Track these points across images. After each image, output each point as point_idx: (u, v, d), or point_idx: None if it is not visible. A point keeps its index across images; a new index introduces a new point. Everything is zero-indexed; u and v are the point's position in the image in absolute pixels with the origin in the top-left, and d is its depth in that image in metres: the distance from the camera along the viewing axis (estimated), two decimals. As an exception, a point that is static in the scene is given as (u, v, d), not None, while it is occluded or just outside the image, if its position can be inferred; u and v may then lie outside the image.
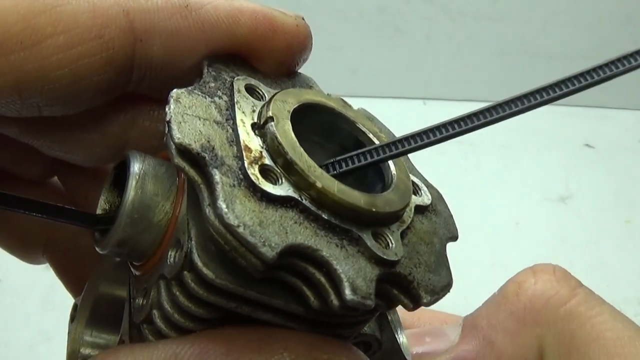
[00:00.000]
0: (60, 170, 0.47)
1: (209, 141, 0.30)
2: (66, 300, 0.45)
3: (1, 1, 0.33)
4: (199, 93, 0.32)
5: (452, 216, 0.37)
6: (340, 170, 0.32)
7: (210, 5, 0.36)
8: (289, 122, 0.32)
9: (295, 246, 0.28)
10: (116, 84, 0.37)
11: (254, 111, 0.33)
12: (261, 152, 0.31)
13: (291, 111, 0.33)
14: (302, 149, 0.31)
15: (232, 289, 0.29)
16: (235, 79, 0.35)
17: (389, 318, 0.40)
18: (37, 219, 0.35)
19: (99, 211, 0.35)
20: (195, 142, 0.30)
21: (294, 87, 0.37)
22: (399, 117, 1.55)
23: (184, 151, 0.29)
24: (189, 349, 0.29)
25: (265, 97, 0.34)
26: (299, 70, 0.39)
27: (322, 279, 0.28)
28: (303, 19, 0.39)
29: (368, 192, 0.32)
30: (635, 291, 1.07)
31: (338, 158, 0.33)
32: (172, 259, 0.31)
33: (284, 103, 0.33)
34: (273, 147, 0.31)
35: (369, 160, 0.33)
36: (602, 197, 1.28)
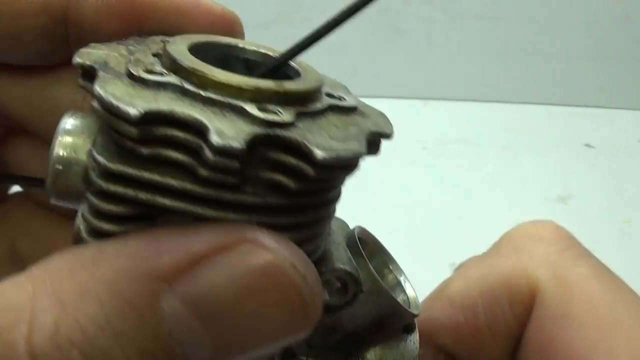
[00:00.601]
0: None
1: (105, 61, 0.31)
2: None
3: None
4: (114, 43, 0.33)
5: (389, 121, 0.34)
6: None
7: None
8: (185, 48, 0.32)
9: (163, 112, 0.27)
10: (54, 36, 0.39)
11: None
12: (152, 63, 0.31)
13: (188, 46, 0.32)
14: (193, 57, 0.31)
15: (125, 172, 0.28)
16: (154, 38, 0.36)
17: (364, 254, 0.36)
18: None
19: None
20: (90, 61, 0.30)
21: None
22: (399, 117, 1.55)
23: (83, 72, 0.30)
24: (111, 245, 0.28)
25: None
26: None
27: (196, 140, 0.27)
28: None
29: None
30: (635, 291, 1.07)
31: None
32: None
33: (183, 39, 0.33)
34: (165, 57, 0.31)
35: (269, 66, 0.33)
36: (602, 197, 1.28)
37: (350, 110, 0.33)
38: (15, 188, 0.49)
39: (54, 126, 0.33)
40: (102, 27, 0.38)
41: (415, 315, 0.36)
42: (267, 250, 0.27)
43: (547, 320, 0.37)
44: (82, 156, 0.31)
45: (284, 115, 0.28)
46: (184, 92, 0.29)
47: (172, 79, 0.29)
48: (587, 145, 1.42)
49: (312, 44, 0.32)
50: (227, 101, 0.28)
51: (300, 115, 0.29)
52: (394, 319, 0.36)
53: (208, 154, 0.27)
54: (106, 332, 0.23)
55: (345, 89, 0.36)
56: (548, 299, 0.38)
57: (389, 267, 0.38)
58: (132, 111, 0.27)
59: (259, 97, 0.29)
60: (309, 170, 0.28)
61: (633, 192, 1.29)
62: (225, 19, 0.38)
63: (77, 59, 0.31)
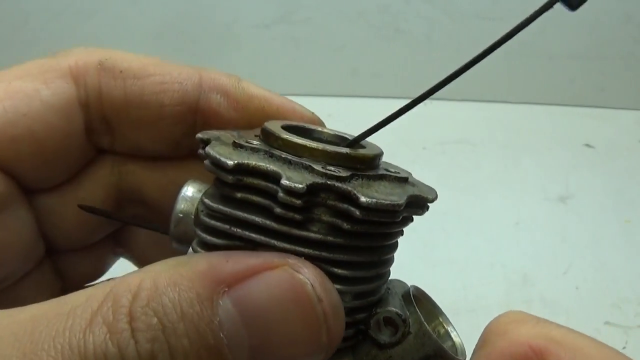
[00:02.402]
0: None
1: (218, 136, 0.40)
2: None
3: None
4: (230, 129, 0.43)
5: (434, 191, 0.42)
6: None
7: (252, 87, 0.49)
8: (279, 126, 0.41)
9: (251, 165, 0.36)
10: (186, 124, 0.49)
11: None
12: (253, 138, 0.40)
13: (281, 125, 0.41)
14: (282, 130, 0.40)
15: (223, 211, 0.38)
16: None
17: (414, 303, 0.42)
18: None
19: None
20: (208, 136, 0.40)
21: None
22: (399, 117, 1.55)
23: (202, 144, 0.39)
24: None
25: None
26: None
27: (273, 186, 0.36)
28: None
29: None
30: (635, 291, 1.07)
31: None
32: None
33: (278, 122, 0.43)
34: (261, 131, 0.40)
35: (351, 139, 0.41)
36: (602, 197, 1.28)
37: (402, 180, 0.41)
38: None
39: None
40: (223, 118, 0.48)
41: None
42: (299, 273, 0.35)
43: None
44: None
45: (342, 172, 0.37)
46: (271, 155, 0.38)
47: (263, 145, 0.39)
48: (587, 145, 1.42)
49: (380, 128, 0.40)
50: (299, 160, 0.37)
51: (356, 176, 0.38)
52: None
53: (280, 194, 0.35)
54: (177, 312, 0.33)
55: (407, 172, 0.44)
56: (558, 353, 0.41)
57: (439, 319, 0.44)
58: (229, 162, 0.36)
59: (327, 158, 0.38)
60: (355, 212, 0.36)
61: (633, 192, 1.29)
62: (313, 121, 0.48)
63: (199, 135, 0.40)
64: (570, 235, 1.19)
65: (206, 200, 0.39)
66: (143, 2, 1.50)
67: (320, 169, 0.36)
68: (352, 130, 0.44)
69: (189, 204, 0.43)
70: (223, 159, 0.36)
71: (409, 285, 0.45)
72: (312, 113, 0.49)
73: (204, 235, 0.39)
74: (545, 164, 1.36)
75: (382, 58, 1.51)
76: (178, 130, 0.49)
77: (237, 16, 1.49)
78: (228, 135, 0.41)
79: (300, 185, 0.35)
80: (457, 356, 0.42)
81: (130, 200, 0.53)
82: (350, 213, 0.36)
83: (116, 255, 0.59)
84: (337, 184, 0.36)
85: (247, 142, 0.39)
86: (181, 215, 0.43)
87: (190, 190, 0.43)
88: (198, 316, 0.33)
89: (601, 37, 1.49)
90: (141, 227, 0.53)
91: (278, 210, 0.36)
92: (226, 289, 0.34)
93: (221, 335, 0.33)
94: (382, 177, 0.39)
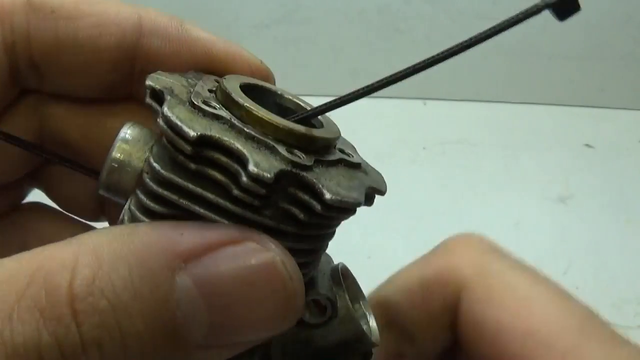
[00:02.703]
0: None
1: (171, 88, 0.37)
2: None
3: None
4: (177, 74, 0.40)
5: (384, 180, 0.41)
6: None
7: (196, 30, 0.45)
8: (237, 86, 0.39)
9: (214, 138, 0.34)
10: (123, 70, 0.44)
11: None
12: (209, 97, 0.38)
13: (240, 84, 0.39)
14: (243, 95, 0.38)
15: (174, 181, 0.35)
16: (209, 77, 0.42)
17: (343, 286, 0.42)
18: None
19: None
20: (160, 85, 0.37)
21: None
22: (399, 117, 1.55)
23: (152, 93, 0.37)
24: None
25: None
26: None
27: (235, 166, 0.34)
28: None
29: None
30: (635, 291, 1.07)
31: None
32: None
33: (235, 79, 0.40)
34: (220, 93, 0.38)
35: (309, 112, 0.39)
36: (602, 197, 1.28)
37: (356, 166, 0.39)
38: (30, 197, 0.54)
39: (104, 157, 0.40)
40: (164, 64, 0.44)
41: (374, 345, 0.42)
42: (267, 250, 0.33)
43: (473, 304, 0.46)
44: (135, 161, 0.39)
45: (306, 160, 0.35)
46: (232, 126, 0.36)
47: (224, 113, 0.36)
48: (587, 145, 1.42)
49: (343, 105, 0.38)
50: (263, 139, 0.35)
51: (318, 162, 0.36)
52: (358, 344, 0.42)
53: (244, 178, 0.33)
54: (129, 291, 0.29)
55: (354, 148, 0.43)
56: (472, 288, 0.46)
57: (359, 302, 0.44)
58: (191, 133, 0.34)
59: (290, 139, 0.36)
60: (316, 206, 0.35)
61: (633, 192, 1.30)
62: (261, 70, 0.46)
63: (149, 82, 0.37)
64: (570, 235, 1.19)
65: (155, 165, 0.36)
66: (143, 2, 1.50)
67: (286, 154, 0.35)
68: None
69: (126, 153, 0.39)
70: (185, 128, 0.34)
71: (336, 263, 0.44)
72: (261, 61, 0.46)
73: (147, 202, 0.36)
74: (545, 164, 1.36)
75: (382, 58, 1.51)
76: (114, 76, 0.45)
77: (237, 16, 1.49)
78: (179, 85, 0.38)
79: (269, 175, 0.33)
80: (373, 340, 0.42)
81: (54, 144, 0.49)
82: (311, 206, 0.35)
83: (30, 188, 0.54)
84: (303, 174, 0.35)
85: (206, 103, 0.36)
86: (115, 165, 0.39)
87: (129, 137, 0.39)
88: (153, 295, 0.29)
89: (601, 37, 1.49)
90: (65, 166, 0.47)
91: (236, 192, 0.34)
92: (183, 265, 0.31)
93: (178, 314, 0.30)
94: (339, 163, 0.38)
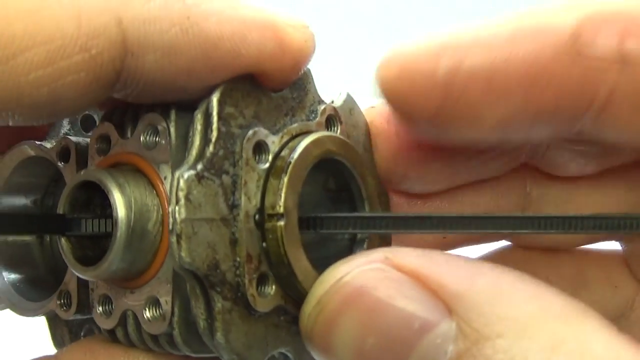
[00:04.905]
0: None
1: (215, 256, 0.32)
2: None
3: None
4: (209, 175, 0.32)
5: None
6: (320, 231, 0.35)
7: (215, 18, 0.33)
8: (296, 221, 0.34)
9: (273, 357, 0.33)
10: (98, 100, 0.33)
11: (258, 187, 0.34)
12: (260, 257, 0.33)
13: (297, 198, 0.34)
14: (304, 257, 0.34)
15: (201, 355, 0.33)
16: (245, 139, 0.34)
17: None
18: None
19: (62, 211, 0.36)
20: (203, 262, 0.31)
21: (293, 101, 0.38)
22: (399, 117, 1.55)
23: (190, 270, 0.31)
24: None
25: (269, 154, 0.35)
26: None
27: None
28: (309, 27, 0.38)
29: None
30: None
31: (322, 215, 0.35)
32: (147, 314, 0.33)
33: (292, 186, 0.34)
34: (275, 254, 0.33)
35: (347, 229, 0.35)
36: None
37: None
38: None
39: None
40: (167, 84, 0.33)
41: None
42: None
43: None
44: (150, 227, 0.34)
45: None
46: (286, 313, 0.35)
47: (278, 297, 0.34)
48: (587, 145, 1.42)
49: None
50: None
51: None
52: None
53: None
54: None
55: None
56: None
57: None
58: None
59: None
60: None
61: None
62: (307, 55, 0.37)
63: (190, 263, 0.31)
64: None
65: (184, 349, 0.34)
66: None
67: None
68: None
69: None
70: None
71: None
72: (304, 33, 0.38)
73: (150, 344, 0.35)
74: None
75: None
76: (84, 112, 0.39)
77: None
78: (221, 243, 0.33)
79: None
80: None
81: None
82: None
83: None
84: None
85: (257, 292, 0.33)
86: (135, 225, 0.34)
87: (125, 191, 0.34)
88: None
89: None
90: None
91: None
92: None
93: None
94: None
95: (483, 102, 0.34)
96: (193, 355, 0.33)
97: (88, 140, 0.37)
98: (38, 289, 0.40)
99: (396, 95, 0.36)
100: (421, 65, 0.34)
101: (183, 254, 0.31)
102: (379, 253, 0.32)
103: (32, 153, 0.39)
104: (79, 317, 0.37)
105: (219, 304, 0.31)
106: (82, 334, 0.39)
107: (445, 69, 0.34)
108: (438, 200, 0.43)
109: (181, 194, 0.31)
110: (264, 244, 0.33)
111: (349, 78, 1.54)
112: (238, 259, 0.32)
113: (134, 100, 0.34)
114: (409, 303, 0.30)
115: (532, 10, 0.35)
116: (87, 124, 0.41)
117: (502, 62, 0.33)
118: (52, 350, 0.39)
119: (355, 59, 1.54)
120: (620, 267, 0.45)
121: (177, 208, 0.31)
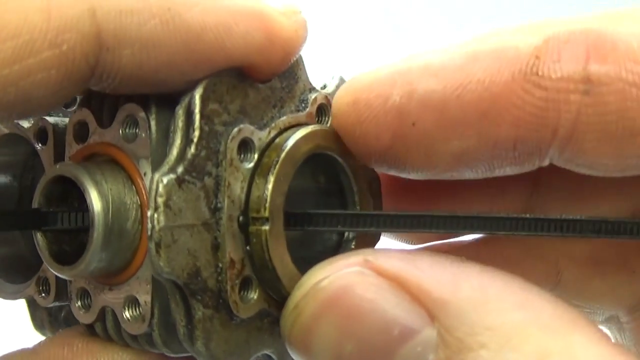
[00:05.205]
0: None
1: (195, 263, 0.30)
2: None
3: None
4: (190, 179, 0.31)
5: None
6: (307, 229, 0.33)
7: (198, 8, 0.31)
8: (282, 224, 0.33)
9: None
10: (71, 96, 0.32)
11: (242, 188, 0.32)
12: (243, 261, 0.32)
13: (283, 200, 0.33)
14: (289, 261, 0.33)
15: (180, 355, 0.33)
16: (230, 137, 0.32)
17: None
18: None
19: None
20: (183, 270, 0.30)
21: (282, 91, 0.36)
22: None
23: (170, 279, 0.30)
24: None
25: (255, 152, 0.33)
26: None
27: None
28: (300, 13, 0.36)
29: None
30: None
31: (310, 212, 0.34)
32: (127, 314, 0.33)
33: (279, 187, 0.33)
34: (260, 258, 0.32)
35: (336, 227, 0.34)
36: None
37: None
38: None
39: None
40: (146, 79, 0.32)
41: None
42: None
43: None
44: (129, 224, 0.33)
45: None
46: (269, 315, 0.34)
47: (262, 301, 0.33)
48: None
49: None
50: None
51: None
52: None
53: None
54: None
55: None
56: None
57: None
58: None
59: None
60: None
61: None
62: (298, 44, 0.36)
63: (168, 273, 0.30)
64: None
65: (163, 349, 0.33)
66: None
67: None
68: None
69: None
70: None
71: None
72: (294, 21, 0.35)
73: (130, 342, 0.35)
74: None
75: (382, 58, 1.51)
76: (56, 108, 0.37)
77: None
78: (202, 249, 0.31)
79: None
80: None
81: None
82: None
83: None
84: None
85: (240, 298, 0.33)
86: (112, 220, 0.32)
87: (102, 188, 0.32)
88: None
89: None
90: None
91: None
92: None
93: None
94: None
95: (437, 135, 0.32)
96: (172, 355, 0.33)
97: (66, 121, 0.35)
98: (20, 268, 0.39)
99: (350, 122, 0.34)
100: (375, 91, 0.33)
101: (162, 263, 0.29)
102: (359, 256, 0.30)
103: (6, 131, 0.38)
104: (57, 304, 0.36)
105: (199, 312, 0.30)
106: (61, 315, 0.38)
107: (398, 96, 0.32)
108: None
109: (160, 200, 0.29)
110: (248, 248, 0.32)
111: (343, 61, 1.55)
112: (220, 264, 0.31)
113: (112, 92, 0.32)
114: (389, 309, 0.28)
115: (494, 31, 0.34)
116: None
117: (453, 90, 0.32)
118: (32, 330, 0.39)
119: (349, 40, 1.54)
120: (637, 252, 0.42)
121: (155, 215, 0.29)
